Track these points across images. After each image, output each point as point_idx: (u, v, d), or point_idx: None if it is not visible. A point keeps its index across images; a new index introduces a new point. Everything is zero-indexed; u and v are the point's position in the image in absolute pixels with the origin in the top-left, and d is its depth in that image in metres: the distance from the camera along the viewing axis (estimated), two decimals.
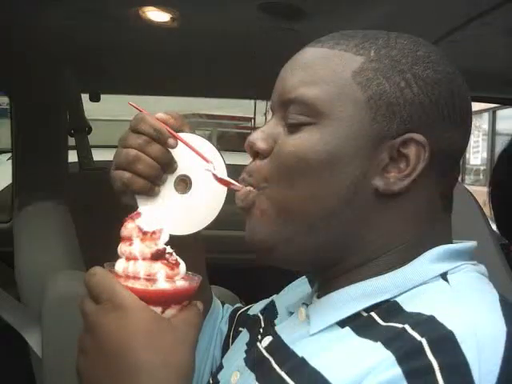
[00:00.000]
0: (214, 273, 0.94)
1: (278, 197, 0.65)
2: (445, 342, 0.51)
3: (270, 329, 0.73)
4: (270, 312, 0.80)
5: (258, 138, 0.67)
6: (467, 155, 11.22)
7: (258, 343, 0.71)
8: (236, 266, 2.14)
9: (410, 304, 0.58)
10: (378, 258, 0.63)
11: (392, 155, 0.62)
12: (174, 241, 0.61)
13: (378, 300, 0.61)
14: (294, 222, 0.64)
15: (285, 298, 0.80)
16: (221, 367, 0.77)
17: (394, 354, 0.52)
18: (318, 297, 0.68)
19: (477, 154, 11.72)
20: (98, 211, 1.65)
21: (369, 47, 0.64)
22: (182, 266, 0.60)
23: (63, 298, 1.31)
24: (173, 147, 0.72)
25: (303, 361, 0.60)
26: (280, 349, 0.66)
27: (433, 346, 0.51)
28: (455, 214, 0.68)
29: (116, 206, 0.74)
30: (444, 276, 0.61)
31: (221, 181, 0.71)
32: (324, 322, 0.63)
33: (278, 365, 0.63)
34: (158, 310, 0.58)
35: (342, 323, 0.62)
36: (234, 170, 0.75)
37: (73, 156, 2.17)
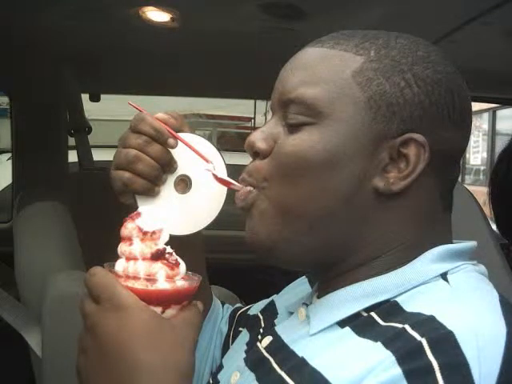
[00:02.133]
0: (214, 273, 0.94)
1: (277, 197, 0.65)
2: (445, 342, 0.51)
3: (270, 329, 0.73)
4: (270, 312, 0.80)
5: (257, 138, 0.67)
6: (467, 155, 11.21)
7: (258, 343, 0.70)
8: (236, 266, 2.14)
9: (410, 304, 0.58)
10: (378, 258, 0.63)
11: (392, 155, 0.62)
12: (173, 241, 0.61)
13: (378, 300, 0.61)
14: (294, 221, 0.64)
15: (285, 298, 0.80)
16: (221, 367, 0.77)
17: (394, 354, 0.52)
18: (318, 297, 0.68)
19: (477, 154, 11.71)
20: (98, 211, 1.65)
21: (369, 47, 0.64)
22: (182, 266, 0.60)
23: (63, 298, 1.31)
24: (173, 147, 0.72)
25: (303, 361, 0.60)
26: (280, 349, 0.66)
27: (433, 346, 0.51)
28: (455, 213, 0.68)
29: (116, 205, 0.74)
30: (444, 276, 0.61)
31: (221, 181, 0.71)
32: (324, 321, 0.63)
33: (278, 365, 0.63)
34: (158, 310, 0.58)
35: (341, 323, 0.62)
36: (234, 170, 0.75)
37: (73, 156, 2.17)
